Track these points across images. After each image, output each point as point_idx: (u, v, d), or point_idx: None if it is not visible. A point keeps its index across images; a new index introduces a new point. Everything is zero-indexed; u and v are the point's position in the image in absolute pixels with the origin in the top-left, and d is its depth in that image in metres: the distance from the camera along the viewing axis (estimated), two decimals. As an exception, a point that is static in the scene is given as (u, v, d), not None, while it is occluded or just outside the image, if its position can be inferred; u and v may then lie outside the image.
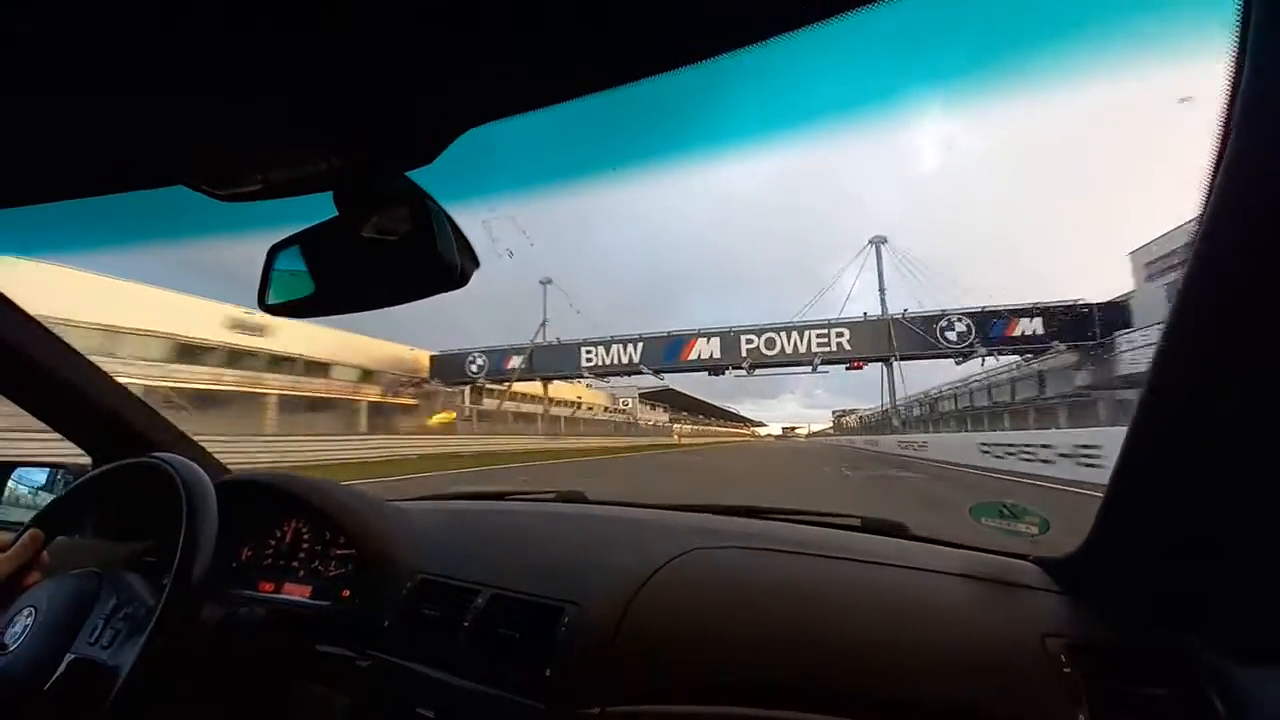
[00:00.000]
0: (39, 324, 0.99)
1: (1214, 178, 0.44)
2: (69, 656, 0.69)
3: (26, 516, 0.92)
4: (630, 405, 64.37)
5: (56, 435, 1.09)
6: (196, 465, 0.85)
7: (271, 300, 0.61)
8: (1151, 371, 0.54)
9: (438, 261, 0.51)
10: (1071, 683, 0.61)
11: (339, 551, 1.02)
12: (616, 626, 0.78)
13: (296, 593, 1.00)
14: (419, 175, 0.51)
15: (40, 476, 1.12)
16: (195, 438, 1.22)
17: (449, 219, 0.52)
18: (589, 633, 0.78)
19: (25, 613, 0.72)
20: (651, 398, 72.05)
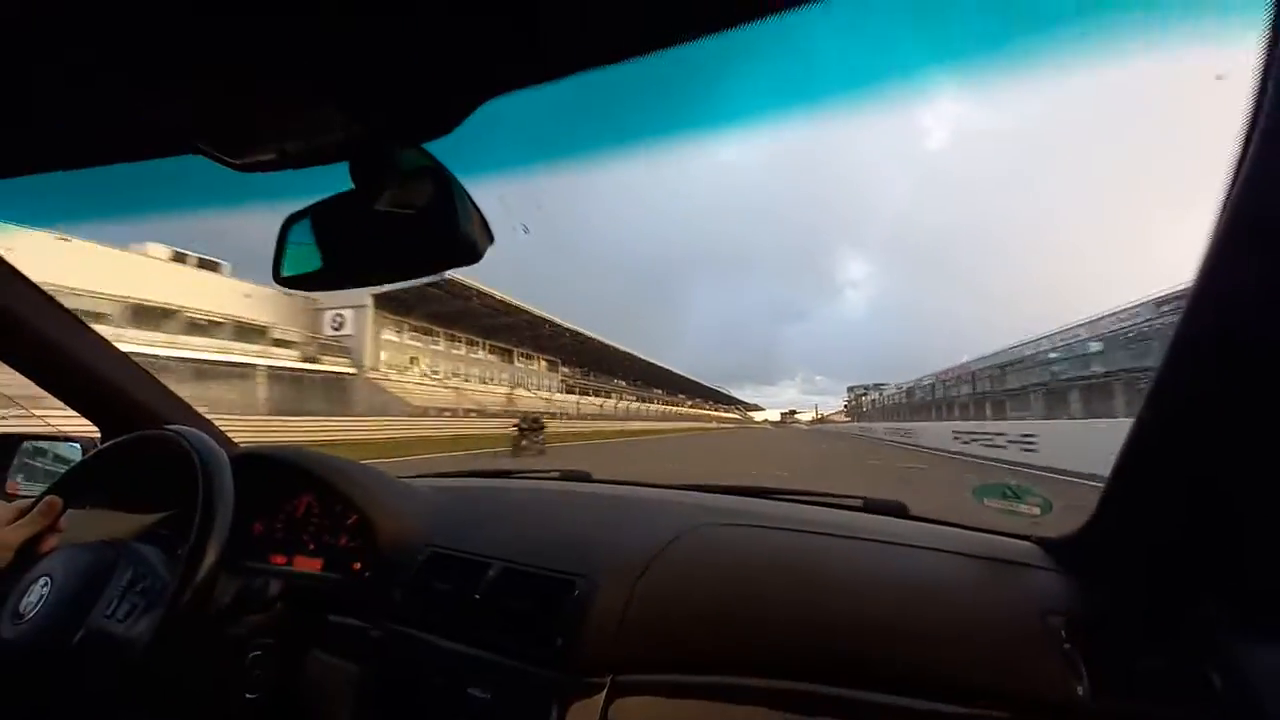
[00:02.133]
0: (46, 295, 0.98)
1: (1240, 160, 0.43)
2: (84, 628, 0.68)
3: (38, 489, 0.93)
4: (342, 325, 29.14)
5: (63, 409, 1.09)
6: (210, 439, 0.85)
7: (285, 273, 0.61)
8: (1169, 348, 0.54)
9: (454, 236, 0.51)
10: (1072, 658, 0.63)
11: (350, 525, 1.03)
12: (626, 599, 0.79)
13: (308, 565, 1.02)
14: (434, 150, 0.50)
15: (49, 448, 1.12)
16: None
17: (467, 194, 0.52)
18: (599, 605, 0.79)
19: (41, 582, 0.71)
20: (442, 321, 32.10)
